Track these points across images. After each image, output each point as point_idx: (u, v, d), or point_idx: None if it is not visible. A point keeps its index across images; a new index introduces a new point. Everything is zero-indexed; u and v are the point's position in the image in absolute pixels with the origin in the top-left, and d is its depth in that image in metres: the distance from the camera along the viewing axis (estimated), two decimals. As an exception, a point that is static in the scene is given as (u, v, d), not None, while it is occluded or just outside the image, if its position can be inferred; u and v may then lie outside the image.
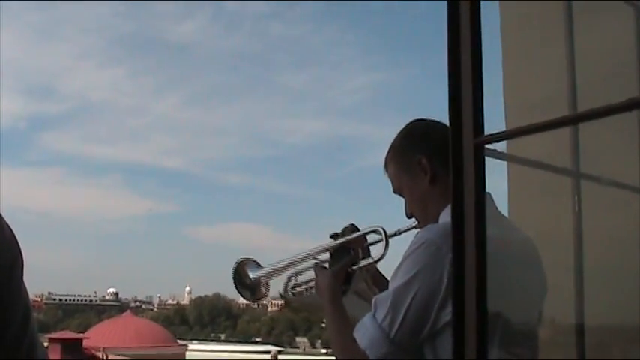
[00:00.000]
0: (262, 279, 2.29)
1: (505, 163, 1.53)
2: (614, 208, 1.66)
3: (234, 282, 2.29)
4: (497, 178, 1.51)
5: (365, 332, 1.81)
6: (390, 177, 2.08)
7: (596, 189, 1.70)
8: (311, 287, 2.23)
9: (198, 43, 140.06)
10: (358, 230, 2.14)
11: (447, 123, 1.34)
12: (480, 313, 1.23)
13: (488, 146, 1.30)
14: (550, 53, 1.85)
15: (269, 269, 2.28)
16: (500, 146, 1.38)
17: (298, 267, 2.28)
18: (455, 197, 1.28)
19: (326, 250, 2.18)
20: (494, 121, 1.39)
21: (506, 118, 1.65)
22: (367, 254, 2.12)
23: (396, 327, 1.77)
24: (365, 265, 2.10)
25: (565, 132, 1.67)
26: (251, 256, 2.30)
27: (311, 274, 2.22)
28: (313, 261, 2.21)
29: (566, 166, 1.70)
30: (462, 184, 1.27)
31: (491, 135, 1.30)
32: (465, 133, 1.27)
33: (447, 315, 1.67)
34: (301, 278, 2.30)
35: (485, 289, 1.23)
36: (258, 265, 2.29)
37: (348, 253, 2.11)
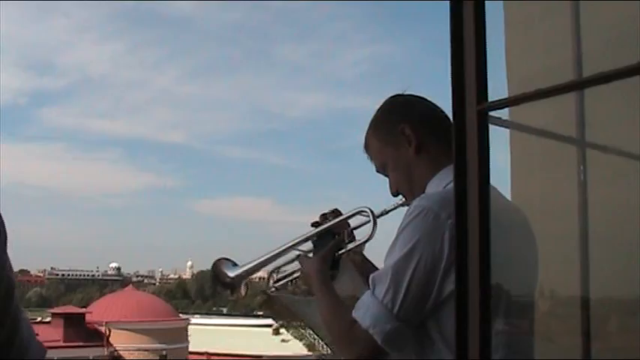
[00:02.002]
0: (242, 277, 2.18)
1: (507, 133, 1.48)
2: (621, 178, 1.62)
3: (214, 284, 2.19)
4: (499, 148, 1.46)
5: (366, 311, 1.72)
6: (371, 154, 1.98)
7: (602, 158, 1.65)
8: (295, 279, 2.12)
9: (199, 16, 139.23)
10: (341, 214, 2.04)
11: (450, 93, 1.29)
12: (484, 286, 1.18)
13: (491, 113, 1.25)
14: (554, 23, 1.78)
15: (248, 267, 2.17)
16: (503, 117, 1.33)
17: (279, 261, 2.16)
18: (457, 167, 1.23)
19: (307, 239, 2.07)
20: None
21: (508, 91, 1.59)
22: (352, 238, 2.02)
23: (399, 302, 1.68)
24: (352, 248, 2.01)
25: (570, 101, 1.62)
26: (226, 256, 2.20)
27: (294, 266, 2.12)
28: (295, 253, 2.10)
29: (571, 135, 1.65)
30: (465, 152, 1.22)
31: (495, 101, 1.25)
32: (467, 100, 1.22)
33: (451, 284, 1.59)
34: (284, 272, 2.18)
35: (488, 262, 1.19)
36: (235, 264, 2.18)
37: (333, 237, 2.02)
